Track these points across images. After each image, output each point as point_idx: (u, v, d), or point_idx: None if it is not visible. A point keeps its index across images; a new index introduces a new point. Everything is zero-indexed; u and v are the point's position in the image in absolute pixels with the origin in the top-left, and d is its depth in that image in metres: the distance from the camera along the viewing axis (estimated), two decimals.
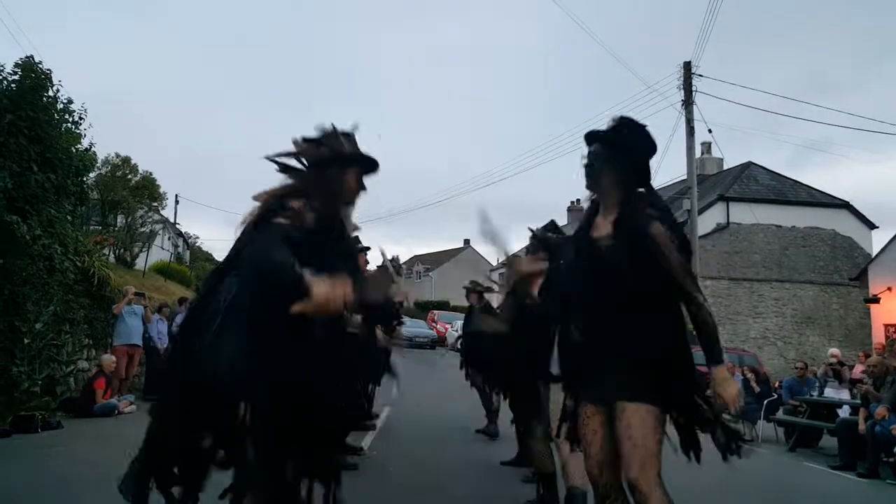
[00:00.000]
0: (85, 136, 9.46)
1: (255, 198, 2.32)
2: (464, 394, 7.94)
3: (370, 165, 2.47)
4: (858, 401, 8.27)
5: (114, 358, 8.69)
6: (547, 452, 3.72)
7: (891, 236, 17.81)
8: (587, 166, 2.51)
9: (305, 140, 2.45)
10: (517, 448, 5.55)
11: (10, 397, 7.35)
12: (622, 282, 2.32)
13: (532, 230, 3.99)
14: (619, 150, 2.45)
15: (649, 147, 2.50)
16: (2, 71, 8.15)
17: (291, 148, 2.44)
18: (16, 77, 8.04)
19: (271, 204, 2.27)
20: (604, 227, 2.47)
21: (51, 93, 8.47)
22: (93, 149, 10.29)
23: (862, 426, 7.46)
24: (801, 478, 7.27)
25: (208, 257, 39.08)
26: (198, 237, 39.09)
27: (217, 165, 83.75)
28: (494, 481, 5.19)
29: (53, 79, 8.50)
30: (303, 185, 2.35)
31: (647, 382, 2.28)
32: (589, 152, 2.52)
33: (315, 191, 2.31)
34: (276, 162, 2.42)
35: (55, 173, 8.22)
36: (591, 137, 2.54)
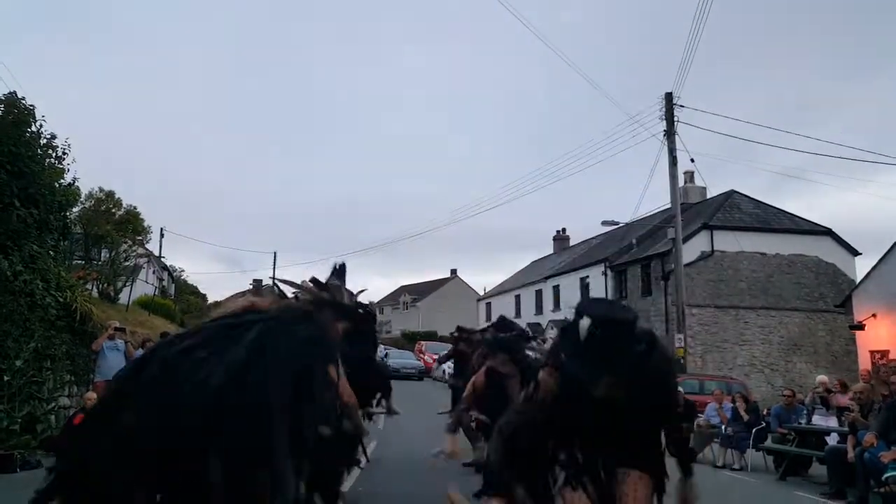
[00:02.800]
0: (68, 170, 9.46)
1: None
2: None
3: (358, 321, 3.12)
4: (846, 428, 8.27)
5: (94, 395, 8.51)
6: None
7: (874, 263, 18.00)
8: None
9: (313, 281, 3.10)
10: None
11: None
12: None
13: (487, 335, 4.07)
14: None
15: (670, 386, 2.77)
16: None
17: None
18: None
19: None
20: None
21: (34, 128, 8.47)
22: (76, 183, 10.30)
23: (851, 454, 7.45)
24: None
25: (193, 290, 38.79)
26: (183, 270, 38.76)
27: (202, 199, 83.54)
28: None
29: (37, 114, 8.53)
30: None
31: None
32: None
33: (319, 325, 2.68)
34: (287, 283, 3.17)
35: (37, 208, 8.20)
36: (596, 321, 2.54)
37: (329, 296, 2.90)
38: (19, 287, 7.75)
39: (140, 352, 10.06)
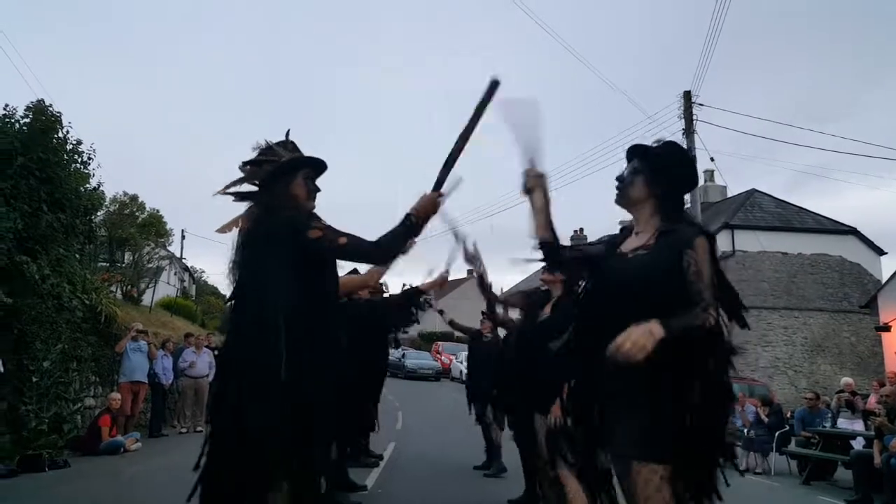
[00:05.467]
0: (93, 175, 9.62)
1: (220, 230, 2.50)
2: (469, 427, 7.85)
3: (314, 165, 2.56)
4: (872, 432, 8.14)
5: (119, 395, 8.67)
6: (559, 496, 3.66)
7: None
8: (619, 178, 2.38)
9: (246, 164, 2.55)
10: (524, 486, 5.47)
11: (18, 435, 7.34)
12: (649, 299, 2.09)
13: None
14: (658, 165, 2.31)
15: (689, 175, 2.39)
16: (14, 114, 8.34)
17: (239, 175, 2.55)
18: (27, 120, 8.21)
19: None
20: (635, 242, 2.32)
21: (60, 134, 8.64)
22: (101, 188, 10.47)
23: (877, 459, 7.33)
24: None
25: (214, 291, 39.18)
26: (203, 271, 39.24)
27: (222, 200, 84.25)
28: None
29: (63, 121, 8.69)
30: (262, 207, 2.44)
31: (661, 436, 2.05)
32: (627, 168, 2.38)
33: (273, 208, 2.40)
34: (230, 193, 2.52)
35: (64, 213, 8.35)
36: (632, 152, 2.41)
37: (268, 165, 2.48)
38: (47, 290, 7.90)
39: (161, 352, 10.24)
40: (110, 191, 13.48)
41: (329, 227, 2.37)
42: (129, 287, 14.73)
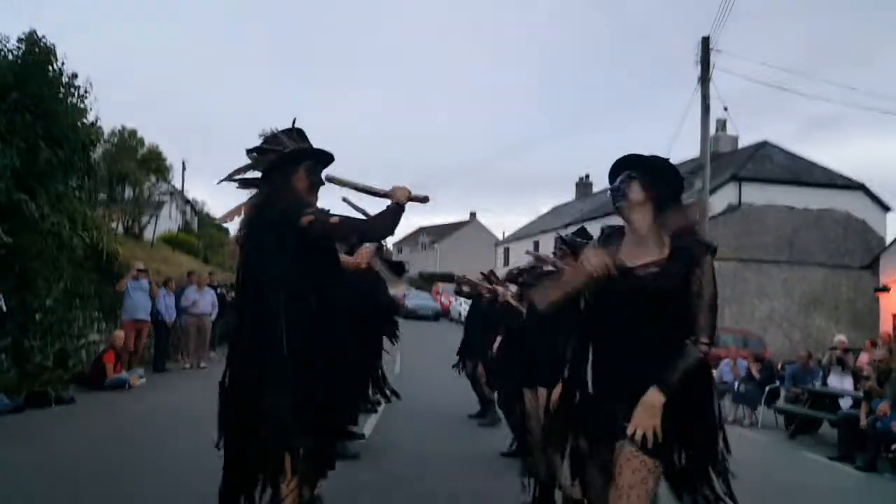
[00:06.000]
0: (91, 109, 9.43)
1: (223, 219, 2.67)
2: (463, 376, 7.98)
3: (318, 157, 2.55)
4: (861, 393, 8.28)
5: (122, 333, 8.81)
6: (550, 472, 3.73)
7: None
8: (615, 188, 2.38)
9: (251, 151, 2.56)
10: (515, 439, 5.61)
11: (24, 371, 7.49)
12: (663, 314, 2.19)
13: (561, 237, 3.95)
14: (655, 172, 2.35)
15: (680, 182, 2.42)
16: (7, 43, 8.08)
17: (246, 161, 2.60)
18: (20, 52, 7.98)
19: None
20: (640, 255, 2.31)
21: (55, 67, 8.41)
22: (98, 122, 10.28)
23: (863, 421, 7.48)
24: (799, 468, 7.32)
25: (216, 223, 39.03)
26: (205, 203, 38.97)
27: (225, 129, 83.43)
28: (496, 473, 5.25)
29: (58, 53, 8.44)
30: (262, 196, 2.49)
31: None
32: (620, 178, 2.39)
33: (276, 197, 2.43)
34: (235, 180, 2.56)
35: (62, 149, 8.22)
36: (621, 164, 2.41)
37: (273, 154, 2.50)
38: (47, 228, 7.89)
39: (163, 291, 10.33)
40: (108, 124, 13.25)
41: (320, 210, 2.39)
42: (130, 222, 14.73)
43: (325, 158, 2.57)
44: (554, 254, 4.14)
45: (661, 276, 2.23)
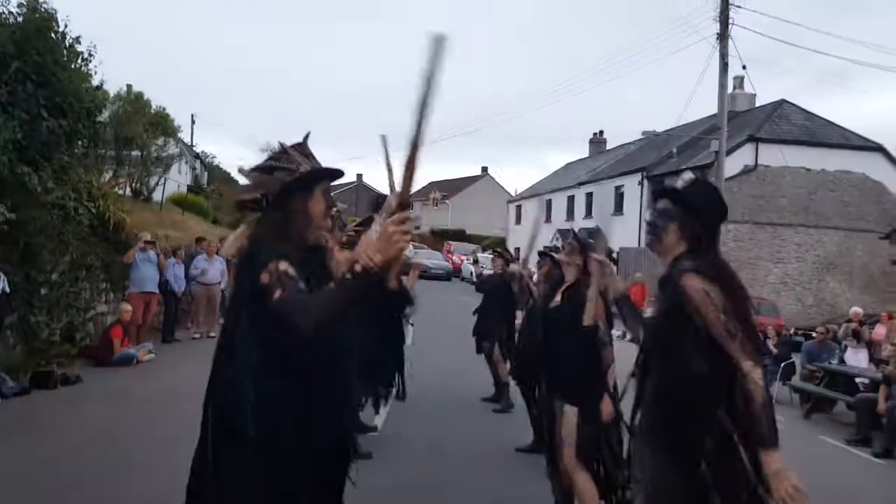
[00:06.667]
0: (95, 73, 9.12)
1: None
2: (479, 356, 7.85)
3: (333, 176, 2.21)
4: (879, 374, 8.15)
5: (129, 307, 8.72)
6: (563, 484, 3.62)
7: None
8: (651, 224, 2.33)
9: (254, 170, 2.17)
10: (532, 432, 5.51)
11: (31, 347, 7.44)
12: (666, 366, 2.15)
13: (573, 231, 3.79)
14: (688, 208, 2.26)
15: (720, 210, 2.32)
16: (7, 4, 7.75)
17: (249, 181, 2.17)
18: (19, 20, 7.65)
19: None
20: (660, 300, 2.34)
21: (56, 31, 8.08)
22: (104, 86, 9.98)
23: (882, 405, 7.37)
24: (815, 453, 7.22)
25: (227, 176, 38.69)
26: (215, 156, 38.61)
27: (234, 80, 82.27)
28: (512, 471, 5.17)
29: (59, 17, 8.10)
30: (269, 225, 2.08)
31: None
32: (655, 209, 2.33)
33: (286, 226, 2.07)
34: (240, 203, 2.17)
35: (66, 118, 7.96)
36: (659, 193, 2.37)
37: (283, 174, 2.09)
38: (51, 201, 7.71)
39: (172, 260, 10.21)
40: (114, 86, 12.86)
41: (282, 273, 1.87)
42: (137, 185, 14.53)
43: (337, 176, 2.24)
44: (561, 246, 3.99)
45: (649, 328, 2.29)
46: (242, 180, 2.25)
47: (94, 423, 5.66)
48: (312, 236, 2.16)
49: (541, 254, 5.22)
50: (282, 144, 2.19)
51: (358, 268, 1.78)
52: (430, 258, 28.30)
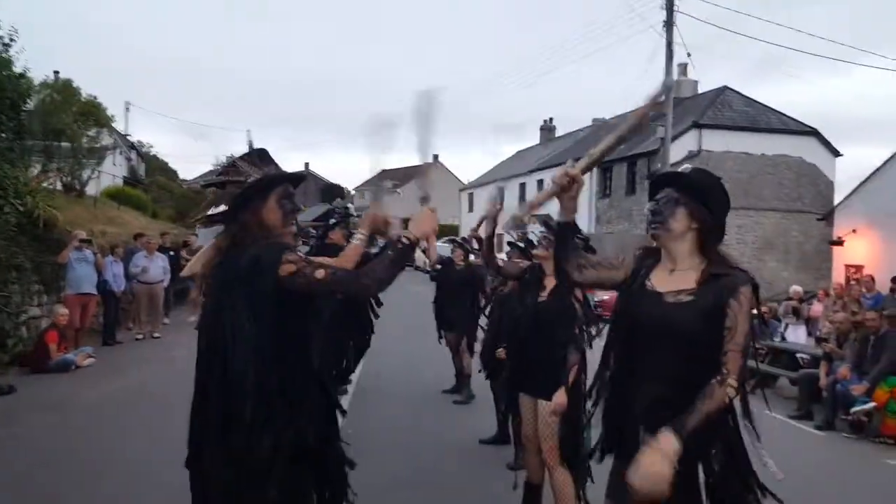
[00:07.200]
0: (17, 60, 8.60)
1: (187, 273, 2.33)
2: (438, 343, 7.75)
3: (289, 181, 2.22)
4: (819, 351, 8.47)
5: (65, 309, 8.25)
6: (538, 464, 3.59)
7: (852, 165, 18.26)
8: (654, 212, 2.18)
9: (207, 186, 2.21)
10: (496, 424, 5.49)
11: None
12: (691, 347, 2.04)
13: (546, 221, 3.68)
14: (696, 193, 2.15)
15: (725, 201, 2.22)
16: None
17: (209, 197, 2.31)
18: None
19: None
20: (673, 281, 2.15)
21: None
22: (28, 74, 9.41)
23: (823, 381, 7.64)
24: (761, 427, 7.45)
25: (163, 166, 37.35)
26: (151, 146, 37.10)
27: (169, 68, 79.47)
28: (477, 465, 5.12)
29: None
30: (228, 238, 2.13)
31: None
32: (657, 198, 2.21)
33: (247, 237, 2.09)
34: (203, 219, 2.23)
35: None
36: (661, 181, 2.25)
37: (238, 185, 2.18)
38: None
39: (110, 258, 9.74)
40: (39, 74, 12.15)
41: (305, 259, 2.01)
42: (69, 179, 13.79)
43: (296, 180, 2.24)
44: (538, 242, 3.91)
45: (691, 307, 2.07)
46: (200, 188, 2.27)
47: (29, 438, 5.31)
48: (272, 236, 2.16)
49: (511, 244, 5.13)
50: (230, 157, 2.24)
51: (405, 239, 2.12)
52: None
